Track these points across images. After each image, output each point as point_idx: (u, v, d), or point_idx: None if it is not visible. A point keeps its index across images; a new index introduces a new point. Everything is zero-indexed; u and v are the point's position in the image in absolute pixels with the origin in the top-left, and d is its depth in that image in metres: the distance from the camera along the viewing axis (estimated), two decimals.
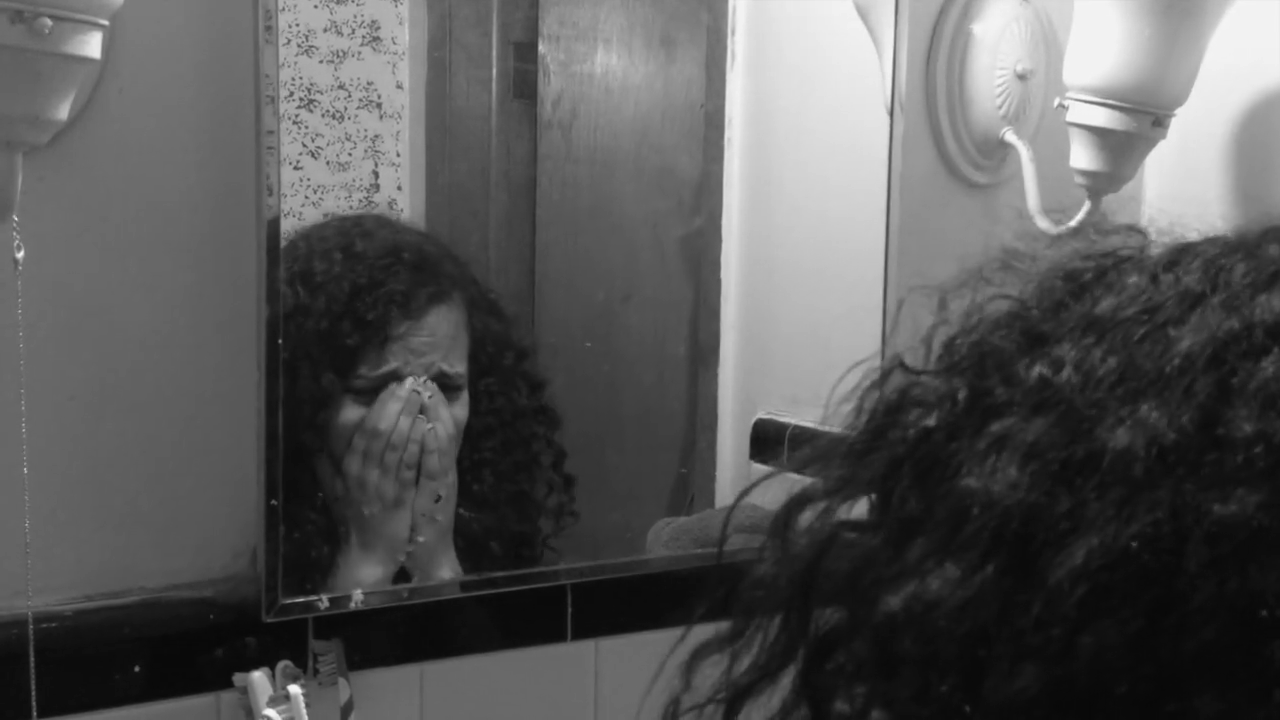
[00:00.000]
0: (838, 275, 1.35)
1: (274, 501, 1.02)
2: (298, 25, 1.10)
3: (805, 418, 1.32)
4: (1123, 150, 1.28)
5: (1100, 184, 1.31)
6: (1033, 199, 1.34)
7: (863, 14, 1.26)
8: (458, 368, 1.15)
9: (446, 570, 1.16)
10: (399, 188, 1.17)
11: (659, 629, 1.15)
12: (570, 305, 1.32)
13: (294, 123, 1.09)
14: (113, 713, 1.02)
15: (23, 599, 0.96)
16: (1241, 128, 1.39)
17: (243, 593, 1.05)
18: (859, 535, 0.36)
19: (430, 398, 1.13)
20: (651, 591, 1.21)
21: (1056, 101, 1.31)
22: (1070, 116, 1.29)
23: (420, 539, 1.14)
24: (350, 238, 1.13)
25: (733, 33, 1.32)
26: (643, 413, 1.36)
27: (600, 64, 1.30)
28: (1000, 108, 1.35)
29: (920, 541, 0.33)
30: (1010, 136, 1.35)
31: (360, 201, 1.14)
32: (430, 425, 1.12)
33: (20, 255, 0.92)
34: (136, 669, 1.03)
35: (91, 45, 0.87)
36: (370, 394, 1.12)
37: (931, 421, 0.35)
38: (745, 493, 0.41)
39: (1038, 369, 0.33)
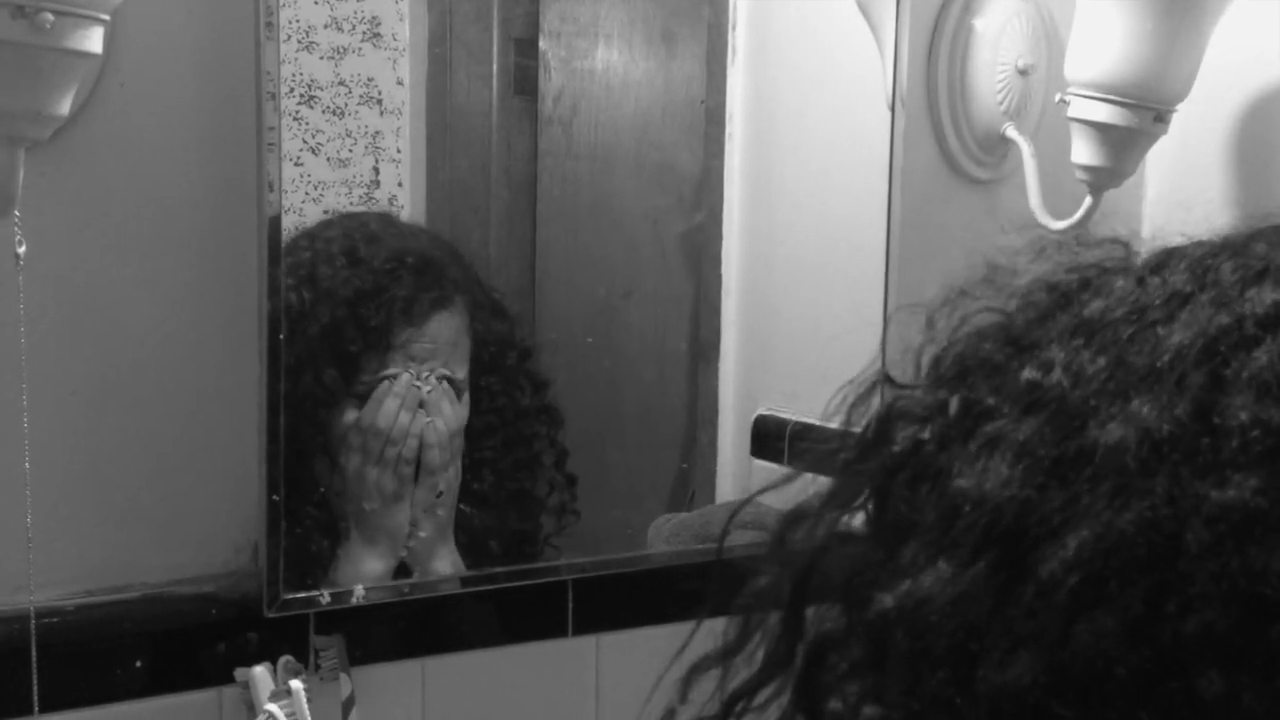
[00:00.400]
0: (838, 271, 1.35)
1: (275, 497, 1.02)
2: (298, 21, 1.10)
3: (806, 413, 1.32)
4: (1124, 146, 1.28)
5: (1101, 179, 1.31)
6: (1034, 194, 1.34)
7: (864, 9, 1.26)
8: (459, 373, 1.15)
9: (448, 565, 1.16)
10: (399, 184, 1.17)
11: (660, 624, 1.16)
12: (571, 301, 1.32)
13: (295, 119, 1.09)
14: (114, 707, 1.02)
15: (25, 594, 0.96)
16: (1242, 123, 1.39)
17: (244, 588, 1.05)
18: (853, 543, 0.36)
19: (429, 392, 1.13)
20: (652, 587, 1.22)
21: (1058, 97, 1.31)
22: (1071, 112, 1.29)
23: (421, 534, 1.14)
24: (354, 241, 1.12)
25: (733, 28, 1.32)
26: (643, 409, 1.36)
27: (601, 60, 1.30)
28: (1001, 103, 1.35)
29: (913, 543, 0.33)
30: (1011, 132, 1.35)
31: (361, 198, 1.14)
32: (429, 420, 1.12)
33: (22, 250, 0.92)
34: (138, 664, 1.03)
35: (93, 40, 0.87)
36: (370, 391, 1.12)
37: (924, 434, 0.35)
38: (760, 492, 0.41)
39: (1027, 373, 0.33)
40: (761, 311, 1.36)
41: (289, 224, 1.05)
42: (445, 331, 1.15)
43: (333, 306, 1.10)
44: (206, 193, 1.04)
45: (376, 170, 1.15)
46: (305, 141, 1.11)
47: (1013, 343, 0.35)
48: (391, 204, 1.16)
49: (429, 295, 1.14)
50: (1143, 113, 1.26)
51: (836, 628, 0.35)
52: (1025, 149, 1.34)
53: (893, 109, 1.26)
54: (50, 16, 0.83)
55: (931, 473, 0.34)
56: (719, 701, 0.40)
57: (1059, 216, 1.33)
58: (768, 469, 1.34)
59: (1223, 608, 0.27)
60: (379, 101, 1.15)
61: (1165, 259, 0.35)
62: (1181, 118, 1.29)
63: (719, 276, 1.35)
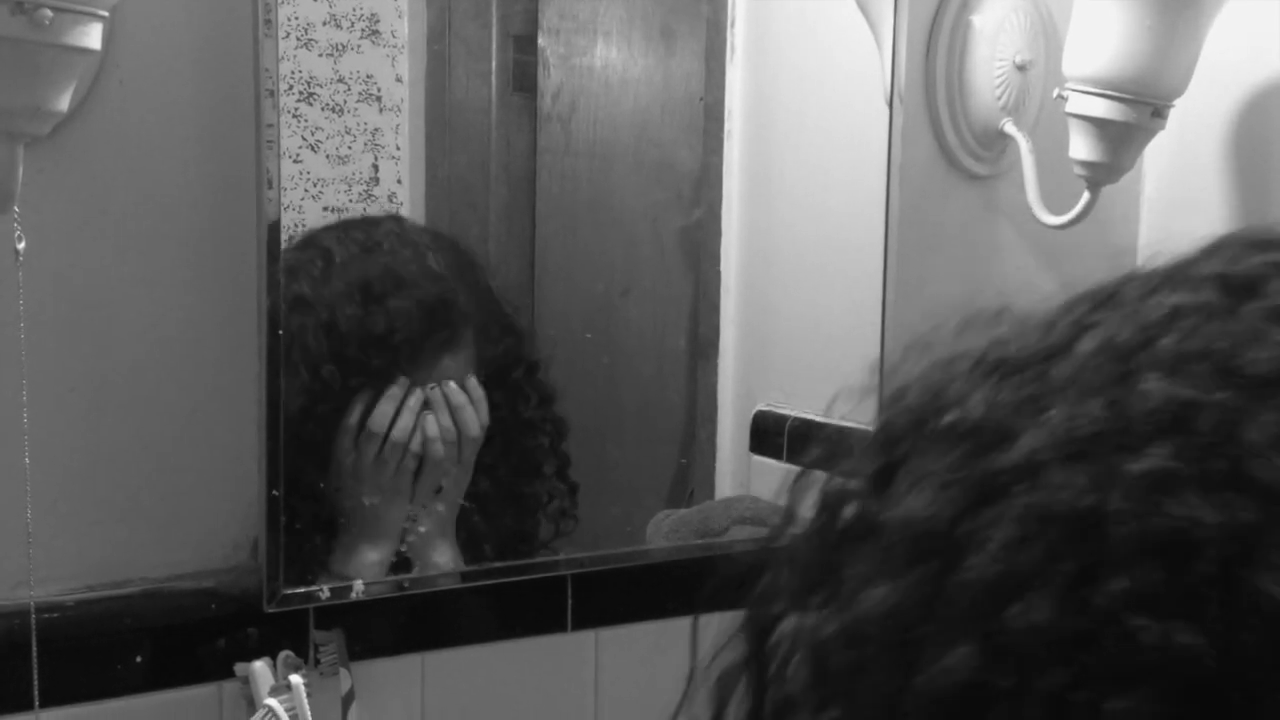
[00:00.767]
0: (837, 267, 1.35)
1: (275, 492, 1.03)
2: (297, 18, 1.10)
3: (805, 409, 1.32)
4: (1122, 141, 1.28)
5: (1099, 174, 1.31)
6: (1032, 190, 1.34)
7: (862, 6, 1.26)
8: (466, 384, 1.16)
9: (447, 560, 1.16)
10: (399, 181, 1.17)
11: (659, 619, 1.16)
12: (570, 298, 1.32)
13: (293, 116, 1.10)
14: (115, 703, 1.02)
15: (25, 589, 0.96)
16: (1240, 119, 1.39)
17: (244, 583, 1.06)
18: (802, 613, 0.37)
19: (432, 389, 1.13)
20: (651, 582, 1.22)
21: (1056, 92, 1.31)
22: (1069, 107, 1.29)
23: (421, 529, 1.14)
24: (368, 275, 1.12)
25: (732, 25, 1.32)
26: (642, 405, 1.36)
27: (600, 57, 1.30)
28: (1000, 99, 1.35)
29: (848, 585, 0.34)
30: (1009, 127, 1.36)
31: (360, 194, 1.15)
32: (430, 414, 1.13)
33: (21, 247, 0.92)
34: (138, 659, 1.03)
35: (92, 36, 0.87)
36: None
37: (859, 504, 0.36)
38: (790, 491, 0.42)
39: (946, 418, 0.35)
40: (760, 308, 1.37)
41: (288, 221, 1.05)
42: (451, 368, 1.15)
43: (341, 344, 1.10)
44: (205, 189, 1.04)
45: (375, 167, 1.15)
46: (304, 138, 1.11)
47: (934, 395, 0.36)
48: (391, 200, 1.16)
49: (438, 336, 1.14)
50: (1140, 108, 1.26)
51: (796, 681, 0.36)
52: (1023, 144, 1.34)
53: (891, 105, 1.26)
54: (49, 12, 0.83)
55: (866, 529, 0.35)
56: None
57: (1057, 211, 1.33)
58: (767, 465, 1.35)
59: (1149, 561, 0.29)
60: (378, 98, 1.15)
61: (1056, 316, 0.36)
62: (1179, 113, 1.29)
63: (718, 273, 1.35)
